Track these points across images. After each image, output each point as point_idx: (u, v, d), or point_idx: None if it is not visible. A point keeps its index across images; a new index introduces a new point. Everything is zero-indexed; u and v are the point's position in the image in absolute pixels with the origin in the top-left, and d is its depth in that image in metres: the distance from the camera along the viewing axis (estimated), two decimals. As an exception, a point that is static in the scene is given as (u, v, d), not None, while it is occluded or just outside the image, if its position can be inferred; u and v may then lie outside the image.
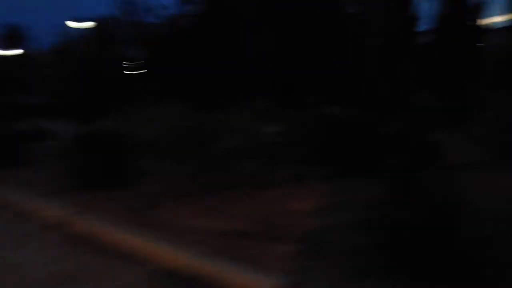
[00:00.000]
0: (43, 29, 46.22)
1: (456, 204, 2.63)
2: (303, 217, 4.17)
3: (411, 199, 2.72)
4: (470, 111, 7.05)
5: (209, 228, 3.99)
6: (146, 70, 14.52)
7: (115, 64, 16.42)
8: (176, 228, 4.06)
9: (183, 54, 8.84)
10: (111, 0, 15.71)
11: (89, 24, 18.21)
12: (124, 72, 15.75)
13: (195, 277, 3.18)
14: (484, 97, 7.27)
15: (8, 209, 5.72)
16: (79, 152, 6.29)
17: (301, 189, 5.27)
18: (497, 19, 10.16)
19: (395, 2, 8.42)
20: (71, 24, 16.79)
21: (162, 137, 7.63)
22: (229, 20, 7.99)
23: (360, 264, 2.92)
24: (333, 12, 8.47)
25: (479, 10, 9.33)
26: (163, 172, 6.74)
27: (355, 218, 3.30)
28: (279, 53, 7.64)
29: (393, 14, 8.32)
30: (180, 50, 8.87)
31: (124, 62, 17.06)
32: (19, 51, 35.47)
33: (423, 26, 9.27)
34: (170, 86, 11.60)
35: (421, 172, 3.02)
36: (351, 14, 8.85)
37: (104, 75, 14.77)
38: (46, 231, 4.62)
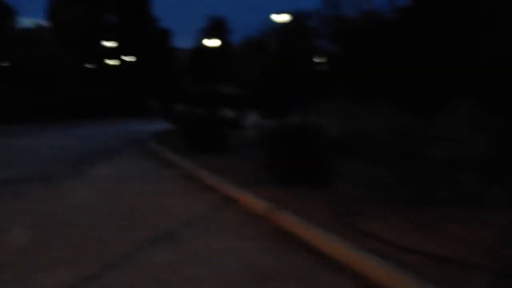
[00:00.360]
0: (242, 22, 49.69)
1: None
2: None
3: None
4: None
5: (422, 248, 3.59)
6: (342, 66, 14.41)
7: (309, 58, 16.71)
8: (382, 241, 3.76)
9: (386, 50, 8.41)
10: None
11: (287, 18, 18.77)
12: (318, 67, 16.00)
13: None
14: None
15: (214, 194, 6.12)
16: (278, 146, 6.40)
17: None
18: None
19: None
20: (275, 17, 17.50)
21: (362, 138, 7.35)
22: (446, 14, 7.28)
23: None
24: None
25: None
26: (360, 175, 6.48)
27: None
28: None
29: None
30: (384, 46, 8.46)
31: (318, 57, 17.31)
32: (219, 42, 38.75)
33: None
34: (369, 84, 11.23)
35: None
36: None
37: (298, 69, 15.07)
38: (249, 222, 4.75)
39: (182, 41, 71.05)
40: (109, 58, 36.98)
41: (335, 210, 4.89)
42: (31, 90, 21.03)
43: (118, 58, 37.14)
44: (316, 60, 17.35)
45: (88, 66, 34.81)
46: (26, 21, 33.62)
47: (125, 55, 37.33)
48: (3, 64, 23.76)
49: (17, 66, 22.20)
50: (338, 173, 6.47)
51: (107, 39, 36.47)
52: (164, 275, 3.25)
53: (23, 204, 5.33)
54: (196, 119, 10.55)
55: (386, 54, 8.33)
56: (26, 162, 8.67)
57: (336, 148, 7.17)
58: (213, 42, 34.53)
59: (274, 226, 4.55)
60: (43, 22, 35.42)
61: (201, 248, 3.88)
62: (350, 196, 5.51)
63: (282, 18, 18.74)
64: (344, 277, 3.29)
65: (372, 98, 7.89)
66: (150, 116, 29.75)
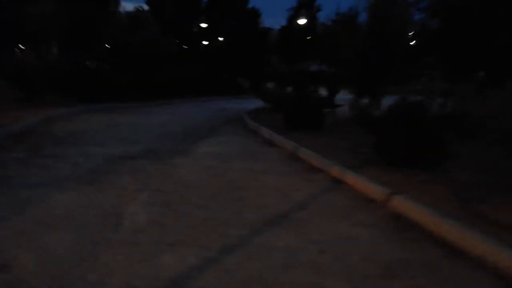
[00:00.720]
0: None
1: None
2: None
3: None
4: None
5: None
6: (441, 42, 13.45)
7: (404, 34, 15.76)
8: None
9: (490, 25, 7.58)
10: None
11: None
12: (412, 43, 15.06)
13: None
14: None
15: (320, 175, 5.95)
16: (391, 126, 6.05)
17: None
18: None
19: None
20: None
21: (477, 119, 6.79)
22: None
23: None
24: None
25: None
26: (476, 159, 5.98)
27: None
28: None
29: None
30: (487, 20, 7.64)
31: (413, 33, 16.30)
32: (305, 20, 38.04)
33: None
34: (472, 61, 10.35)
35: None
36: None
37: (393, 45, 14.27)
38: (363, 206, 4.53)
39: (271, 21, 71.05)
40: (202, 39, 37.89)
41: (456, 196, 4.51)
42: (133, 71, 22.15)
43: (210, 38, 37.95)
44: (411, 35, 16.33)
45: (183, 46, 35.93)
46: (128, 5, 35.40)
47: (217, 35, 38.04)
48: (106, 46, 25.25)
49: (120, 48, 23.42)
50: (454, 155, 6.03)
51: (200, 20, 37.35)
52: (284, 261, 3.16)
53: (138, 181, 5.53)
54: (294, 97, 10.42)
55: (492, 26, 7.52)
56: (136, 139, 9.07)
57: (447, 129, 6.69)
58: (302, 21, 33.99)
59: (391, 212, 4.28)
60: (143, 5, 37.01)
61: (316, 233, 3.74)
62: (469, 181, 5.08)
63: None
64: (483, 274, 2.98)
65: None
66: (242, 95, 30.21)
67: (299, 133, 8.94)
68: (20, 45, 20.78)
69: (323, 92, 18.20)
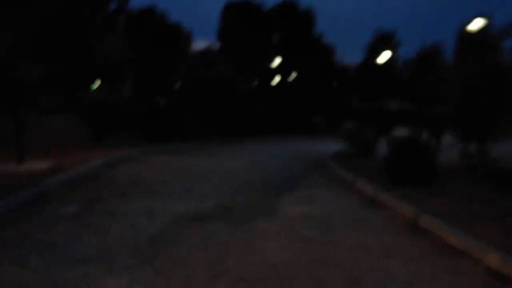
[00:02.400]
0: (412, 34, 46.51)
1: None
2: None
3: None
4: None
5: None
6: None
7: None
8: None
9: None
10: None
11: (481, 23, 15.69)
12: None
13: None
14: None
15: (467, 262, 4.14)
16: None
17: None
18: None
19: None
20: (472, 26, 14.68)
21: None
22: None
23: None
24: None
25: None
26: None
27: None
28: None
29: None
30: None
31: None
32: (389, 56, 36.18)
33: None
34: None
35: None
36: None
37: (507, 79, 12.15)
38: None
39: (349, 57, 69.66)
40: (274, 77, 37.05)
41: None
42: (205, 108, 21.33)
43: (282, 76, 37.00)
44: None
45: (255, 84, 35.21)
46: (199, 43, 35.33)
47: (290, 73, 37.00)
48: (178, 83, 24.82)
49: (192, 84, 22.75)
50: None
51: (272, 58, 36.58)
52: None
53: (211, 261, 4.04)
54: (398, 141, 8.63)
55: None
56: (207, 190, 7.68)
57: None
58: (383, 57, 32.13)
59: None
60: (215, 44, 36.86)
61: None
62: None
63: (476, 25, 15.71)
64: None
65: None
66: (316, 135, 28.54)
67: (408, 189, 7.12)
68: (96, 82, 20.72)
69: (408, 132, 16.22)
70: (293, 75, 36.97)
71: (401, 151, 8.07)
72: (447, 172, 8.98)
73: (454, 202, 6.21)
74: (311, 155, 15.44)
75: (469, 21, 16.39)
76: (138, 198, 6.80)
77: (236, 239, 4.74)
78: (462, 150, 10.13)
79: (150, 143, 16.05)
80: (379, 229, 5.31)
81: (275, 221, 5.55)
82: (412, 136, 13.94)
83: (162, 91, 27.44)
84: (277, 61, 35.92)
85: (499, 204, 6.12)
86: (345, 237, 4.91)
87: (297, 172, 10.51)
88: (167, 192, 7.35)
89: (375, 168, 9.53)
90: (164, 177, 9.16)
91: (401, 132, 17.77)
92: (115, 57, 17.16)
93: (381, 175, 8.36)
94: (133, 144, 14.59)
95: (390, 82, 40.22)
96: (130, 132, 17.70)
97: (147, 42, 20.89)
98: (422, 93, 23.21)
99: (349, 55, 68.32)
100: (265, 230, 5.12)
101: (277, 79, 36.87)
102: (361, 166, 10.70)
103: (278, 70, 36.58)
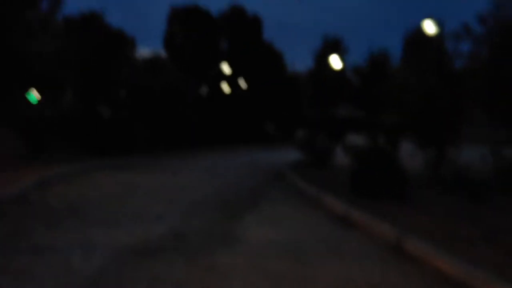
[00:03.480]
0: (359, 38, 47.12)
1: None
2: None
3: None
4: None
5: None
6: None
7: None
8: None
9: None
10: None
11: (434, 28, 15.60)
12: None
13: None
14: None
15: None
16: None
17: None
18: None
19: None
20: (426, 25, 14.51)
21: None
22: None
23: None
24: None
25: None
26: None
27: None
28: None
29: None
30: None
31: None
32: (340, 64, 36.35)
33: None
34: None
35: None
36: None
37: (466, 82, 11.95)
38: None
39: (298, 64, 70.14)
40: (223, 84, 36.24)
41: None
42: (152, 118, 20.14)
43: (231, 83, 36.26)
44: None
45: (203, 92, 34.25)
46: (144, 51, 33.91)
47: (239, 79, 36.31)
48: (123, 91, 23.44)
49: (138, 93, 21.46)
50: None
51: (221, 65, 35.77)
52: None
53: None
54: (364, 150, 8.03)
55: None
56: (157, 213, 6.72)
57: None
58: (335, 61, 32.08)
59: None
60: (161, 51, 35.60)
61: None
62: None
63: (428, 26, 15.61)
64: None
65: None
66: (269, 143, 27.92)
67: (380, 203, 6.50)
68: (31, 90, 19.05)
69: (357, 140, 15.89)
70: (243, 82, 36.27)
71: (367, 161, 7.46)
72: (414, 183, 8.47)
73: (435, 219, 5.62)
74: (269, 166, 14.73)
75: (416, 24, 16.22)
76: (74, 227, 5.74)
77: (192, 279, 3.87)
78: (427, 158, 9.71)
79: (93, 157, 14.72)
80: (359, 255, 4.59)
81: (237, 251, 4.70)
82: (374, 144, 13.53)
83: (106, 101, 25.90)
84: (226, 67, 35.09)
85: (481, 220, 5.60)
86: (323, 269, 4.14)
87: (256, 186, 9.74)
88: (109, 218, 6.32)
89: (335, 179, 8.93)
90: (107, 199, 8.05)
91: (355, 140, 17.45)
92: (51, 60, 15.61)
93: (344, 187, 7.72)
94: (74, 159, 13.25)
95: (340, 89, 40.43)
96: (71, 145, 16.29)
97: (88, 46, 19.47)
98: (373, 100, 23.17)
99: (298, 62, 68.63)
100: (227, 265, 4.26)
101: (227, 86, 36.06)
102: (320, 176, 10.09)
103: (227, 77, 35.79)
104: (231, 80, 36.20)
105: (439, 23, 15.66)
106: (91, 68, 19.68)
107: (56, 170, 10.74)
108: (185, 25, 35.35)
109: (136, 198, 8.16)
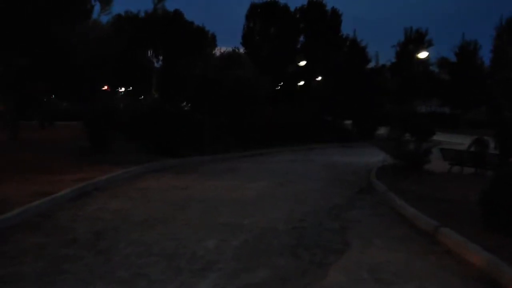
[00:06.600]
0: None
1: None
2: None
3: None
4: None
5: None
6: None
7: None
8: None
9: None
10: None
11: None
12: None
13: None
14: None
15: None
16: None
17: None
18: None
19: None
20: None
21: None
22: None
23: None
24: None
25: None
26: None
27: None
28: None
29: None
30: None
31: None
32: (426, 54, 33.16)
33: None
34: None
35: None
36: None
37: None
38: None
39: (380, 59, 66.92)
40: (300, 79, 34.39)
41: None
42: (223, 114, 18.61)
43: (309, 79, 34.27)
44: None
45: (279, 87, 32.71)
46: (224, 50, 33.29)
47: (316, 75, 34.15)
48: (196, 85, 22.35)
49: (208, 87, 20.02)
50: None
51: (298, 60, 33.91)
52: None
53: None
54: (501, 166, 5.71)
55: None
56: (211, 250, 4.89)
57: None
58: (423, 54, 29.02)
59: None
60: (240, 48, 34.64)
61: None
62: None
63: None
64: None
65: None
66: (345, 141, 25.34)
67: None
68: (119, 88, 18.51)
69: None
70: (321, 77, 34.11)
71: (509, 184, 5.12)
72: None
73: None
74: (350, 172, 12.47)
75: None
76: (87, 276, 4.03)
77: None
78: None
79: (158, 155, 13.26)
80: None
81: None
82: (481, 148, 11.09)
83: (179, 96, 25.02)
84: (303, 62, 33.11)
85: None
86: None
87: (339, 203, 7.62)
88: (141, 264, 4.51)
89: (447, 196, 6.67)
90: (148, 222, 6.13)
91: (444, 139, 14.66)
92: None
93: (471, 215, 5.47)
94: (133, 160, 11.74)
95: (425, 83, 37.00)
96: (131, 141, 15.13)
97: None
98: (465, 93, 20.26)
99: (379, 57, 65.00)
100: None
101: (302, 82, 34.12)
102: (423, 191, 7.81)
103: (305, 72, 33.82)
104: (308, 76, 34.28)
105: None
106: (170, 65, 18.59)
107: (110, 175, 9.32)
108: (263, 21, 34.59)
109: (184, 222, 6.16)
